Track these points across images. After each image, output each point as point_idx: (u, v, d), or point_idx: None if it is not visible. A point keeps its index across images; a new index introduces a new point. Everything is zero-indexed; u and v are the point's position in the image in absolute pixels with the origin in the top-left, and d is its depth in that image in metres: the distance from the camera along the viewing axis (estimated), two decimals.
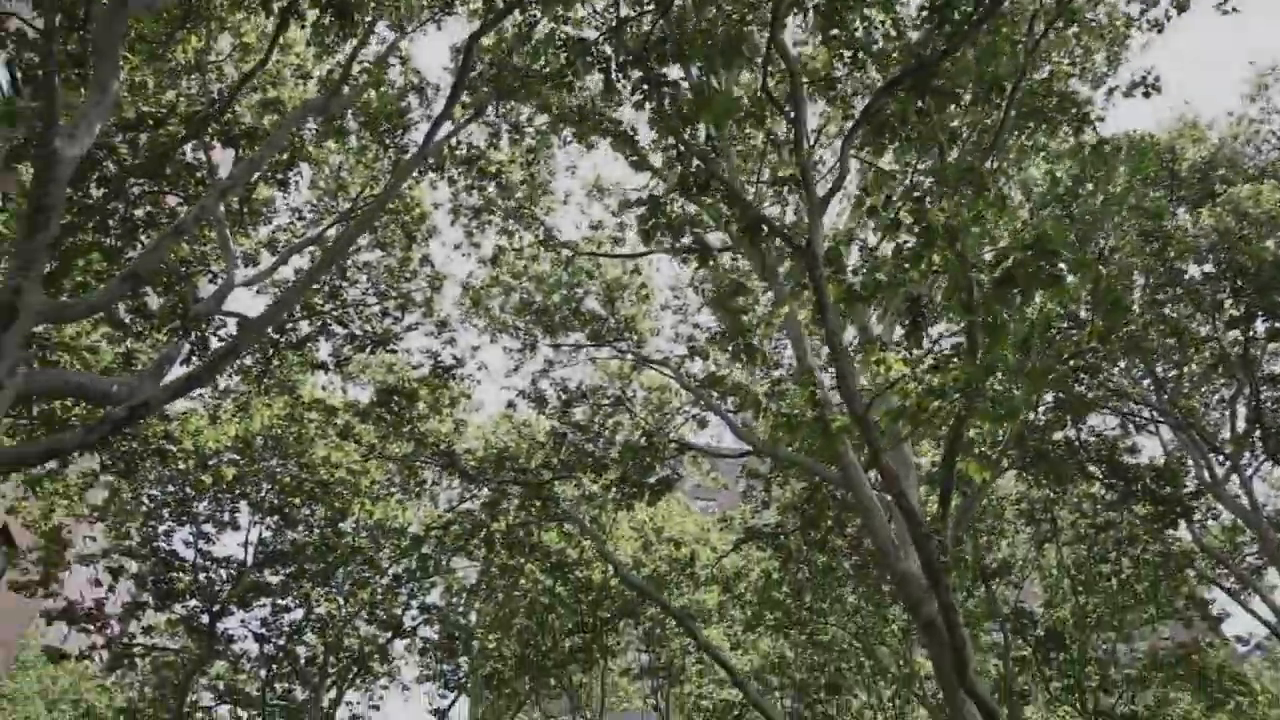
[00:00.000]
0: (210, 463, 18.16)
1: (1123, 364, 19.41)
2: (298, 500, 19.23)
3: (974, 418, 9.44)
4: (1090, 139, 11.78)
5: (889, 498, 15.36)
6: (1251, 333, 15.69)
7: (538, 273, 21.28)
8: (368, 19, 12.42)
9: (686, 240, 10.29)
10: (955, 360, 8.90)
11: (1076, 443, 17.94)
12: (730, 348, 13.80)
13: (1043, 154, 12.70)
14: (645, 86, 8.92)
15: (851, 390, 9.06)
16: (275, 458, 19.61)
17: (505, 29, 13.59)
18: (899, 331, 13.00)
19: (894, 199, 8.50)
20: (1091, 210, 12.71)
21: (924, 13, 7.95)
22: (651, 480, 17.66)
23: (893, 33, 9.69)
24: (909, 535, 11.87)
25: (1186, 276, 15.62)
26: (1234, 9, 8.46)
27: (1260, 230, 14.59)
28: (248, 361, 16.96)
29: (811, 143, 11.06)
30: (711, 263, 11.14)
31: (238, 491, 19.09)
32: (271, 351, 16.44)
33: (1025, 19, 8.75)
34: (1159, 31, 10.83)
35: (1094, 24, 13.13)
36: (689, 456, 22.53)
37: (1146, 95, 11.24)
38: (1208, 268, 15.36)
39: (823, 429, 10.28)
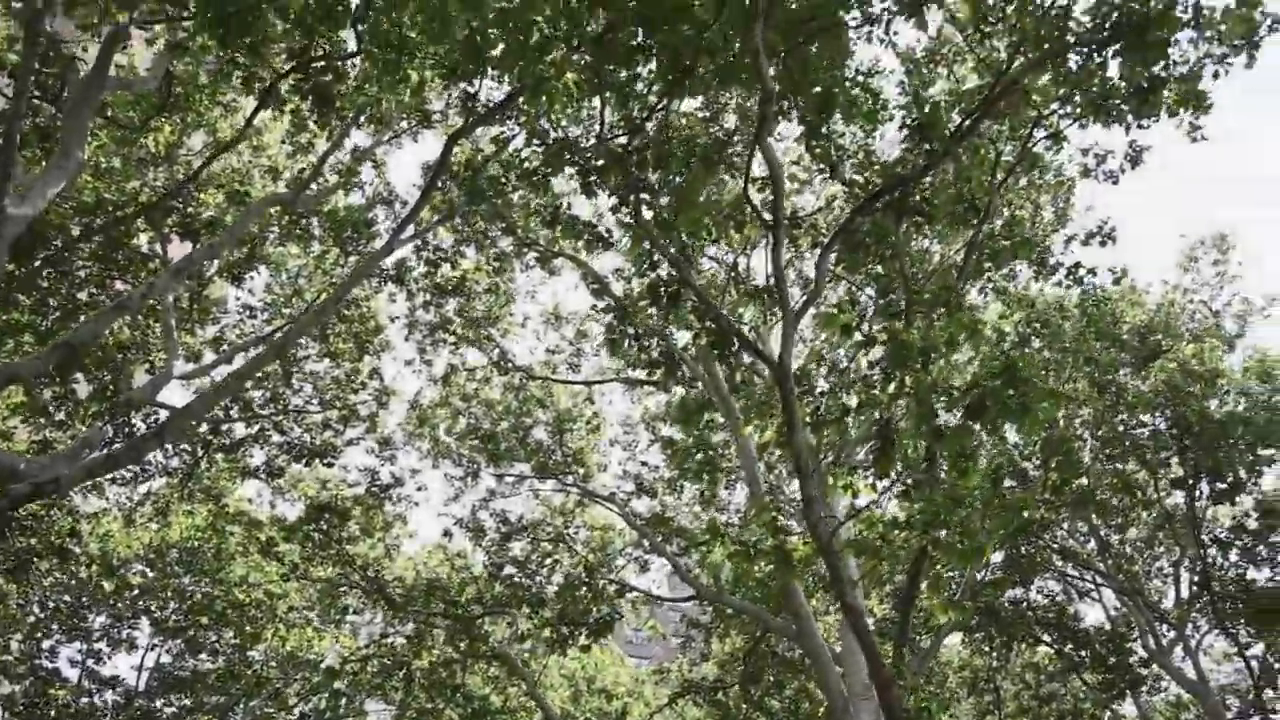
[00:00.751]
0: (116, 570, 16.79)
1: (1066, 526, 19.39)
2: (206, 621, 17.77)
3: (939, 552, 9.13)
4: (1046, 288, 12.11)
5: (839, 650, 14.76)
6: (1198, 493, 15.82)
7: (488, 398, 20.90)
8: (348, 115, 12.47)
9: (653, 353, 10.09)
10: (922, 490, 8.65)
11: (1025, 604, 17.63)
12: (688, 471, 13.41)
13: (1002, 298, 13.02)
14: (623, 190, 8.93)
15: (817, 516, 8.70)
16: (189, 573, 18.27)
17: (481, 142, 13.79)
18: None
19: (867, 317, 8.46)
20: (1039, 365, 12.95)
21: (905, 130, 8.18)
22: (590, 620, 16.76)
23: (866, 161, 9.98)
24: (869, 681, 11.27)
25: (1135, 432, 15.83)
26: (1203, 137, 8.86)
27: (1205, 387, 15.00)
28: (174, 463, 16.05)
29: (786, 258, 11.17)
30: (678, 375, 10.95)
31: (141, 605, 17.61)
32: (201, 452, 15.56)
33: (990, 165, 9.07)
34: (1114, 183, 11.36)
35: (1042, 181, 13.81)
36: (628, 603, 21.66)
37: (1103, 244, 11.69)
38: (1156, 424, 15.61)
39: (783, 558, 9.85)
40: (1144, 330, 17.01)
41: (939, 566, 10.36)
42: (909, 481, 8.62)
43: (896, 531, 8.93)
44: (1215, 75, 8.16)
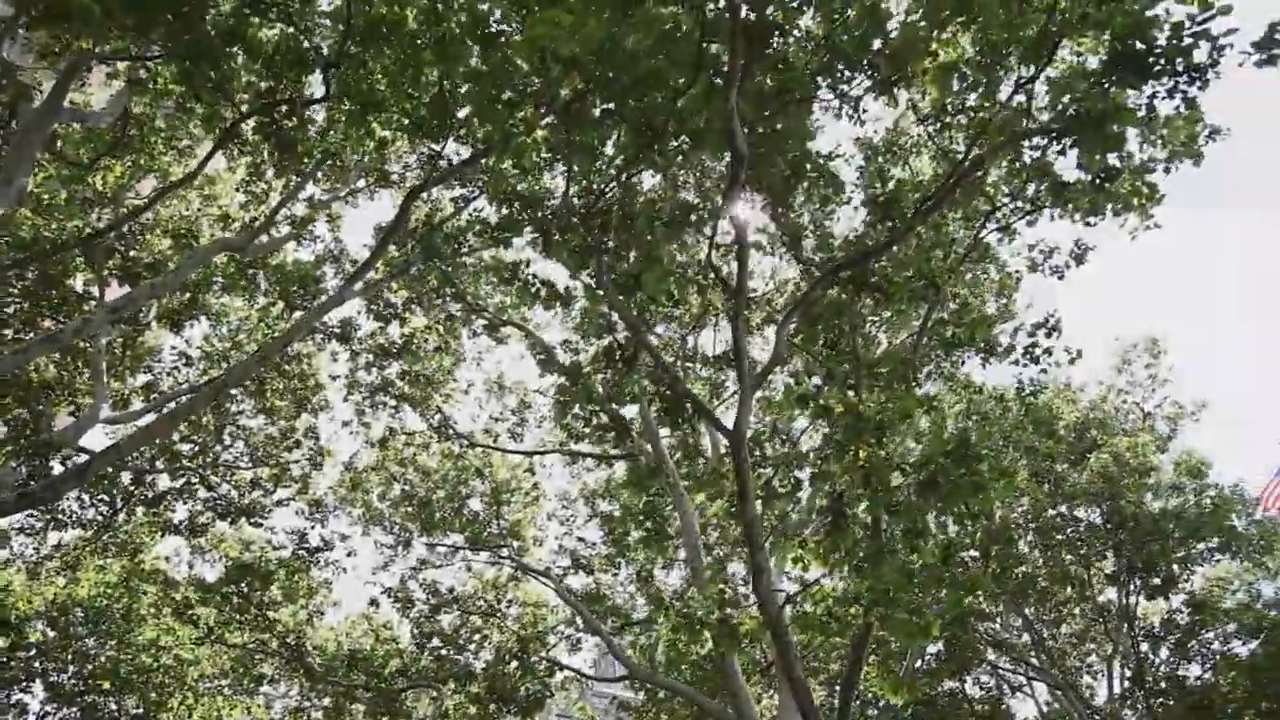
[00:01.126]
0: (13, 627, 15.64)
1: (1000, 620, 19.43)
2: (108, 686, 16.61)
3: (887, 629, 9.00)
4: (989, 380, 12.34)
5: None
6: (1133, 585, 16.00)
7: (425, 465, 20.43)
8: (308, 165, 12.33)
9: (603, 419, 9.95)
10: (872, 565, 8.54)
11: (960, 694, 17.49)
12: (631, 546, 13.16)
13: (949, 384, 13.24)
14: (584, 250, 8.92)
15: (767, 588, 8.54)
16: (93, 634, 17.14)
17: (441, 202, 13.75)
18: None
19: (823, 390, 8.47)
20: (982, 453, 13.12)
21: (868, 206, 8.35)
22: (519, 696, 16.13)
23: (824, 241, 10.16)
24: None
25: (1074, 521, 16.05)
26: (1156, 225, 9.19)
27: (1138, 481, 15.38)
28: (90, 514, 15.21)
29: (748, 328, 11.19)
30: (628, 442, 10.80)
31: (36, 667, 16.40)
32: (121, 503, 14.79)
33: (947, 245, 9.30)
34: (1060, 278, 11.75)
35: (986, 278, 14.24)
36: (557, 684, 20.98)
37: (1048, 335, 12.02)
38: (1094, 516, 15.86)
39: (728, 631, 9.62)
40: (1080, 427, 17.49)
41: (888, 644, 10.20)
42: (860, 556, 8.52)
43: (844, 608, 8.81)
44: (1166, 170, 8.56)
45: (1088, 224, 9.74)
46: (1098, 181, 7.74)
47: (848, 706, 12.49)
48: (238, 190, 15.11)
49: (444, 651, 18.51)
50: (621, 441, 10.05)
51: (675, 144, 8.21)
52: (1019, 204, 10.05)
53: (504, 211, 10.20)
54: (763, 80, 7.66)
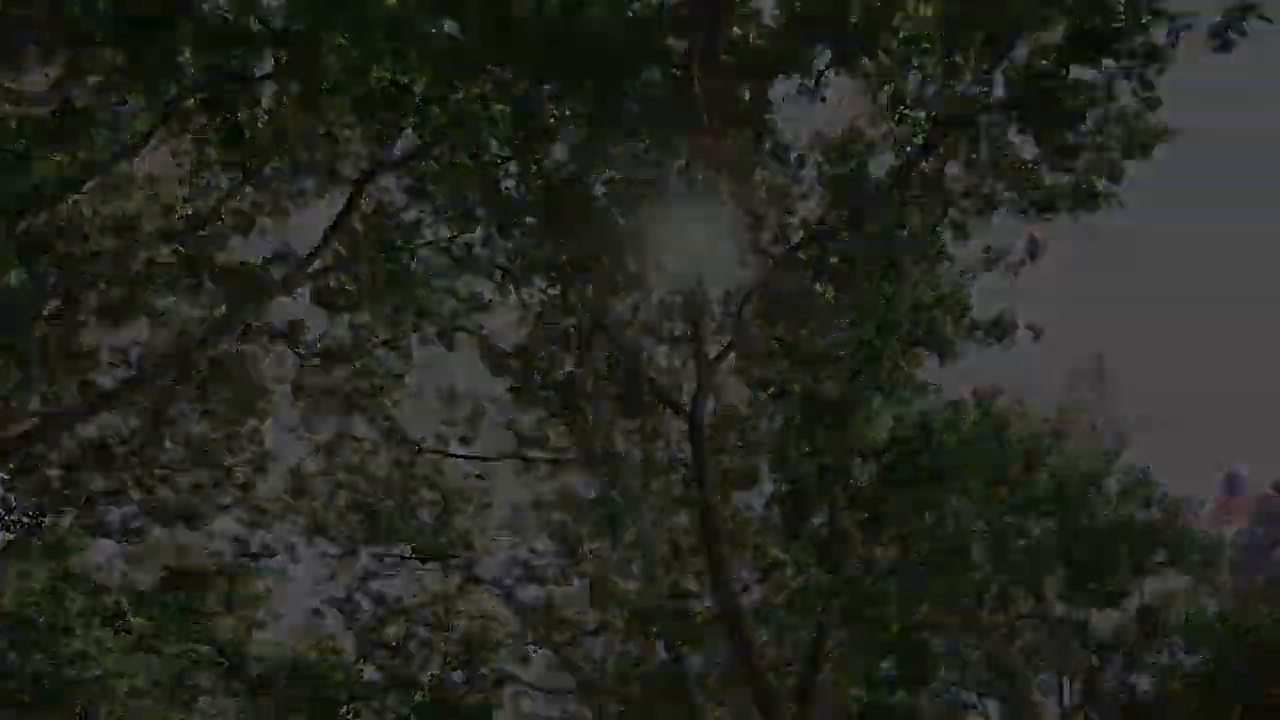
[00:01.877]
0: None
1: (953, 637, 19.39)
2: (28, 699, 15.75)
3: (846, 623, 8.82)
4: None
5: None
6: (1084, 596, 16.04)
7: (372, 472, 19.92)
8: (254, 154, 11.93)
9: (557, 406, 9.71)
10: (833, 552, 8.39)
11: (915, 707, 17.36)
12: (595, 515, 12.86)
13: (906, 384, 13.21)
14: (542, 231, 8.73)
15: (726, 577, 8.33)
16: (14, 647, 16.27)
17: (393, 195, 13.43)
18: None
19: (784, 368, 8.34)
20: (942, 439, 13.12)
21: (827, 187, 8.26)
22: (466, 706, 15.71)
23: (781, 233, 10.07)
24: None
25: (1025, 538, 16.08)
26: (1120, 203, 9.20)
27: (1087, 489, 15.51)
28: (13, 516, 14.46)
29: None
30: (585, 423, 10.55)
31: None
32: (48, 505, 14.11)
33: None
34: (1015, 274, 11.77)
35: (940, 284, 14.30)
36: (507, 696, 20.53)
37: (1004, 331, 12.02)
38: (1048, 524, 15.90)
39: (684, 626, 9.36)
40: (1032, 439, 17.64)
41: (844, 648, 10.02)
42: (819, 545, 8.37)
43: (804, 598, 8.62)
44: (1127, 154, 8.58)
45: (1044, 218, 9.75)
46: (1058, 157, 7.74)
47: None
48: (181, 184, 14.62)
49: (390, 662, 18.00)
50: (574, 426, 9.81)
51: (635, 118, 8.04)
52: (973, 201, 10.05)
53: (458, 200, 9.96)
54: (724, 55, 7.55)
